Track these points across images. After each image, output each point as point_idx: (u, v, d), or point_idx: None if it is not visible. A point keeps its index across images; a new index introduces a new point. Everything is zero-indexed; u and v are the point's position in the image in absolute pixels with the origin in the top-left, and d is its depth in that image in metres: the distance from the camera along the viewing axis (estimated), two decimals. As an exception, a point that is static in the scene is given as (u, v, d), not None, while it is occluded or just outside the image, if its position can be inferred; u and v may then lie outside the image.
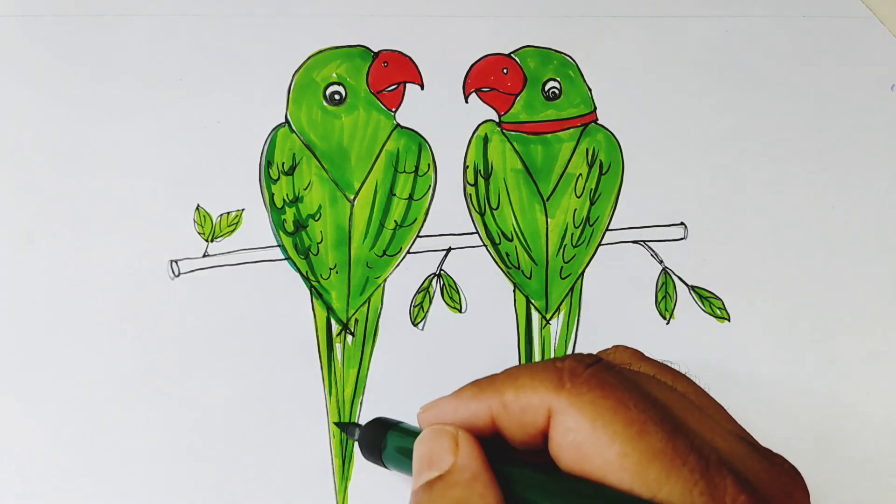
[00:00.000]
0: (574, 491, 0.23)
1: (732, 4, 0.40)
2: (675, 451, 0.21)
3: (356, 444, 0.34)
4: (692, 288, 0.37)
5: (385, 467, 0.30)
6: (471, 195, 0.38)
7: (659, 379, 0.25)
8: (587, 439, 0.22)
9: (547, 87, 0.39)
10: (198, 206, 0.37)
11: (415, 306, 0.37)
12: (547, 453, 0.24)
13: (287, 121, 0.38)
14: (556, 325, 0.37)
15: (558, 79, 0.39)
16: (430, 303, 0.37)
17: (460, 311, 0.37)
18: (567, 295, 0.37)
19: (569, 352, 0.37)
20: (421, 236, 0.37)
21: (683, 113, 0.39)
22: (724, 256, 0.38)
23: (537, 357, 0.37)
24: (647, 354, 0.29)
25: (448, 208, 0.38)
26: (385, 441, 0.29)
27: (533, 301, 0.37)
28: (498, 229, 0.38)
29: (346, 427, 0.34)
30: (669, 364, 0.28)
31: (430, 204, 0.38)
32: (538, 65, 0.39)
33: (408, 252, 0.37)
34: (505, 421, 0.25)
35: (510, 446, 0.25)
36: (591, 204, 0.38)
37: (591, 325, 0.37)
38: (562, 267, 0.37)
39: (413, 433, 0.29)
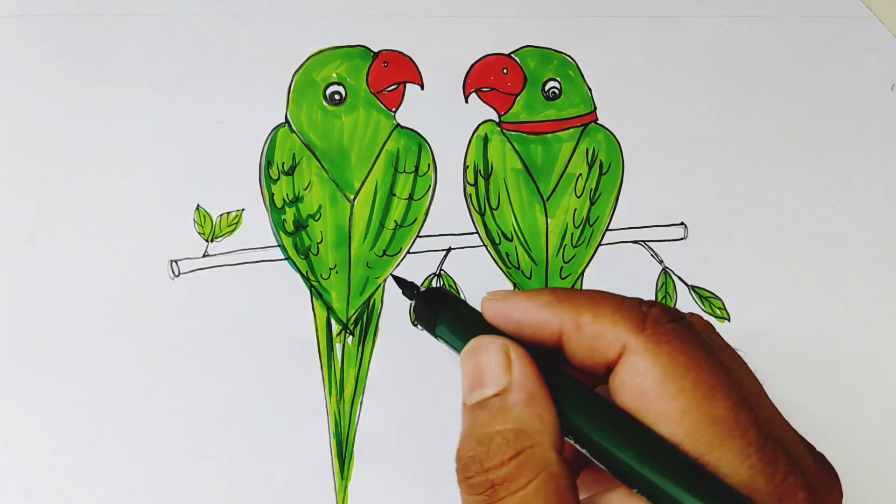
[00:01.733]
0: (626, 428, 0.23)
1: (732, 4, 0.40)
2: (736, 421, 0.22)
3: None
4: (692, 288, 0.37)
5: (434, 336, 0.30)
6: (471, 195, 0.38)
7: (734, 351, 0.26)
8: (653, 387, 0.23)
9: (547, 87, 0.39)
10: (198, 206, 0.37)
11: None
12: (596, 378, 0.25)
13: (287, 121, 0.38)
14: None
15: (558, 79, 0.39)
16: (430, 303, 0.37)
17: (460, 311, 0.37)
18: (567, 295, 0.37)
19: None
20: (421, 236, 0.37)
21: (683, 113, 0.39)
22: (724, 256, 0.38)
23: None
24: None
25: (448, 208, 0.38)
26: (439, 317, 0.29)
27: (533, 301, 0.37)
28: (498, 229, 0.38)
29: (403, 284, 0.32)
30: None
31: (430, 204, 0.38)
32: (538, 65, 0.39)
33: (408, 252, 0.37)
34: (573, 340, 0.25)
35: (559, 359, 0.26)
36: (591, 204, 0.38)
37: (591, 325, 0.37)
38: (562, 267, 0.37)
39: (470, 317, 0.28)
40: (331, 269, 0.37)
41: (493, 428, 0.24)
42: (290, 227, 0.37)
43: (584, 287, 0.37)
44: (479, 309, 0.28)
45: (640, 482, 0.22)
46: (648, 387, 0.23)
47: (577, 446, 0.24)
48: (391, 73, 0.38)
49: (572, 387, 0.25)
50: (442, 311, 0.29)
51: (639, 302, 0.25)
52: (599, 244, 0.38)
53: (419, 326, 0.30)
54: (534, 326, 0.26)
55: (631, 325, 0.24)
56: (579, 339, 0.25)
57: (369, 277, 0.37)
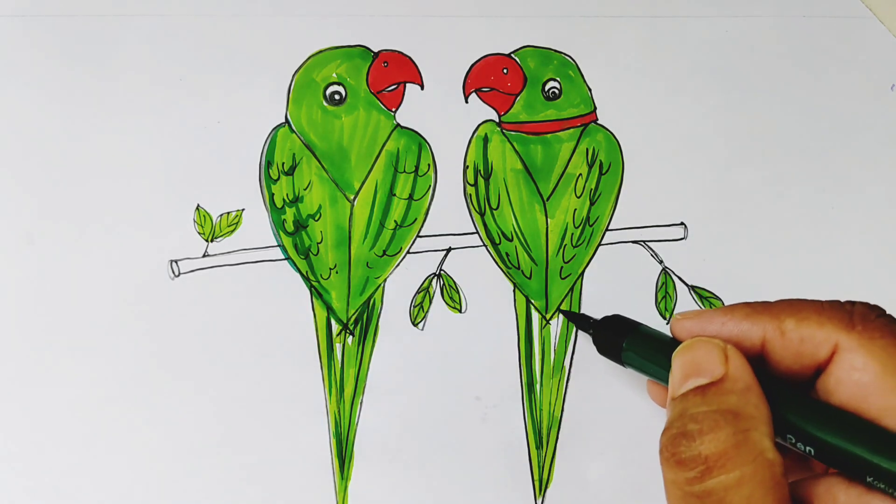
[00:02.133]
0: (854, 424, 0.24)
1: (732, 4, 0.40)
2: None
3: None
4: (692, 288, 0.37)
5: (620, 363, 0.31)
6: (471, 195, 0.38)
7: None
8: (873, 381, 0.23)
9: (547, 87, 0.39)
10: (198, 206, 0.37)
11: (415, 306, 0.37)
12: (805, 386, 0.26)
13: (287, 121, 0.38)
14: (555, 325, 0.37)
15: (558, 79, 0.39)
16: (430, 303, 0.37)
17: (460, 311, 0.37)
18: (567, 295, 0.37)
19: (569, 352, 0.37)
20: (421, 236, 0.37)
21: (683, 113, 0.39)
22: (724, 256, 0.38)
23: (538, 357, 0.37)
24: None
25: (448, 208, 0.38)
26: (625, 342, 0.31)
27: (533, 301, 0.37)
28: (498, 229, 0.38)
29: (576, 319, 0.35)
30: None
31: (430, 204, 0.38)
32: (538, 65, 0.39)
33: (408, 252, 0.37)
34: (777, 347, 0.26)
35: (767, 370, 0.26)
36: (591, 204, 0.38)
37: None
38: (562, 267, 0.37)
39: (657, 338, 0.30)
40: (331, 269, 0.37)
41: (710, 407, 0.24)
42: (290, 227, 0.37)
43: (585, 287, 0.37)
44: (653, 330, 0.30)
45: (877, 472, 0.23)
46: (868, 382, 0.23)
47: (795, 446, 0.25)
48: (391, 73, 0.38)
49: (784, 388, 0.25)
50: (625, 337, 0.31)
51: (839, 302, 0.26)
52: (599, 244, 0.38)
53: (605, 356, 0.32)
54: (734, 339, 0.26)
55: (839, 324, 0.25)
56: (785, 345, 0.25)
57: (369, 277, 0.37)
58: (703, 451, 0.23)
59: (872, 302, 0.37)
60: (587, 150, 0.38)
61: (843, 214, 0.38)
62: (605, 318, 0.33)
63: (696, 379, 0.25)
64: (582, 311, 0.36)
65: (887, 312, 0.25)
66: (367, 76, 0.38)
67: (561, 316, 0.37)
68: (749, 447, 0.23)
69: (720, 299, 0.37)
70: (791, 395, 0.25)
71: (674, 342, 0.28)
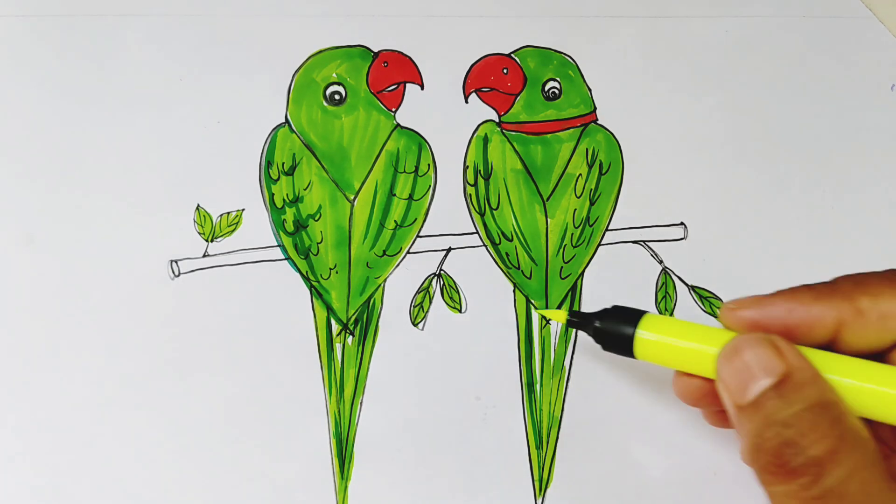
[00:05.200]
0: None
1: (732, 4, 0.40)
2: None
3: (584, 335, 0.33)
4: (692, 288, 0.37)
5: (630, 356, 0.29)
6: (471, 195, 0.38)
7: None
8: None
9: (547, 87, 0.39)
10: (198, 206, 0.37)
11: (415, 306, 0.37)
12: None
13: (287, 121, 0.38)
14: (555, 326, 0.37)
15: (558, 79, 0.39)
16: (430, 303, 0.37)
17: (460, 311, 0.37)
18: (567, 295, 0.37)
19: (569, 352, 0.37)
20: (421, 236, 0.37)
21: (683, 113, 0.39)
22: (724, 256, 0.38)
23: (538, 357, 0.37)
24: None
25: (448, 208, 0.38)
26: (634, 331, 0.29)
27: (533, 301, 0.37)
28: (498, 229, 0.38)
29: (579, 319, 0.32)
30: None
31: (430, 204, 0.38)
32: (538, 65, 0.39)
33: (408, 252, 0.37)
34: (857, 327, 0.25)
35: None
36: (591, 204, 0.38)
37: (591, 325, 0.37)
38: (562, 267, 0.37)
39: (675, 324, 0.28)
40: (331, 269, 0.37)
41: (795, 408, 0.23)
42: (290, 227, 0.37)
43: (585, 287, 0.37)
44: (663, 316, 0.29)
45: None
46: None
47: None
48: (391, 73, 0.38)
49: (853, 362, 0.24)
50: (635, 327, 0.29)
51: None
52: (599, 244, 0.38)
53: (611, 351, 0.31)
54: (805, 326, 0.25)
55: None
56: (863, 324, 0.24)
57: (369, 277, 0.37)
58: (813, 452, 0.22)
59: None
60: (587, 150, 0.38)
61: (844, 214, 0.38)
62: (606, 311, 0.31)
63: (761, 381, 0.24)
64: (573, 310, 0.35)
65: None
66: (367, 76, 0.38)
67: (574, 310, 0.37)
68: (849, 434, 0.22)
69: (720, 299, 0.37)
70: (864, 367, 0.24)
71: (693, 325, 0.27)
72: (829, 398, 0.23)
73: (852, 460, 0.22)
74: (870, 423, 0.24)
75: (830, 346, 0.25)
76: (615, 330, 0.30)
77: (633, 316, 0.30)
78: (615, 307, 0.31)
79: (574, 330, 0.37)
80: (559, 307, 0.37)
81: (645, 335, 0.29)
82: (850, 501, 0.22)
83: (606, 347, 0.31)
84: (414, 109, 0.38)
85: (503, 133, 0.38)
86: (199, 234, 0.37)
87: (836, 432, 0.22)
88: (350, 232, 0.37)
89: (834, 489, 0.22)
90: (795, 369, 0.24)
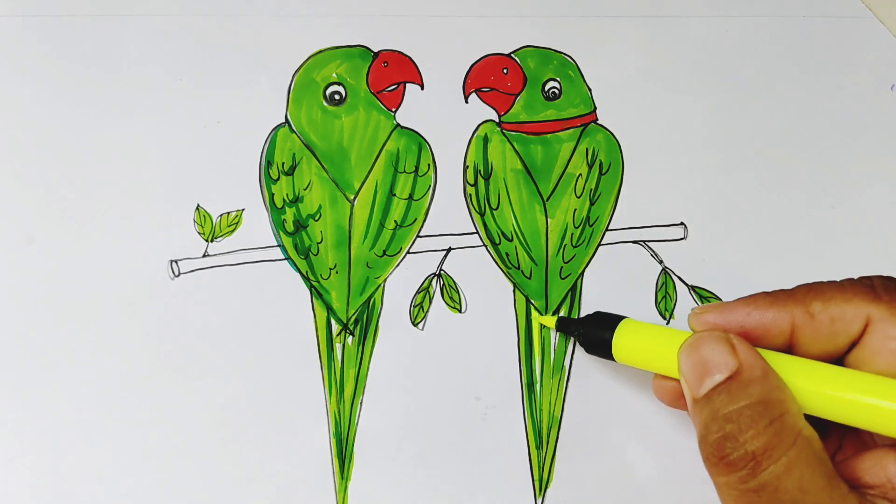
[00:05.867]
0: (886, 385, 0.24)
1: (732, 4, 0.40)
2: None
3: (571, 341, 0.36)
4: (692, 288, 0.37)
5: (611, 359, 0.32)
6: (471, 195, 0.38)
7: None
8: None
9: (547, 87, 0.39)
10: (198, 206, 0.37)
11: (415, 306, 0.37)
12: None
13: (287, 121, 0.38)
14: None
15: (558, 79, 0.39)
16: (430, 303, 0.37)
17: (460, 311, 0.37)
18: (567, 295, 0.37)
19: (569, 352, 0.37)
20: (421, 236, 0.37)
21: (683, 113, 0.39)
22: (724, 256, 0.38)
23: (538, 357, 0.37)
24: None
25: (448, 208, 0.38)
26: (614, 335, 0.31)
27: (533, 301, 0.37)
28: (498, 229, 0.38)
29: (564, 325, 0.35)
30: None
31: (430, 204, 0.38)
32: (538, 65, 0.39)
33: (408, 252, 0.37)
34: (808, 330, 0.26)
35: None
36: (591, 204, 0.38)
37: (591, 325, 0.37)
38: (562, 267, 0.37)
39: (649, 328, 0.31)
40: (331, 269, 0.37)
41: (739, 404, 0.24)
42: (290, 227, 0.37)
43: (585, 287, 0.37)
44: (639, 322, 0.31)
45: None
46: None
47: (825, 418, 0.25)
48: (391, 73, 0.38)
49: (808, 364, 0.26)
50: (612, 332, 0.31)
51: (855, 279, 0.27)
52: (599, 244, 0.38)
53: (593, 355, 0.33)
54: (762, 328, 0.27)
55: (865, 297, 0.26)
56: (815, 326, 0.26)
57: (369, 277, 0.37)
58: (749, 447, 0.24)
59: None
60: (587, 150, 0.38)
61: (844, 214, 0.38)
62: (588, 317, 0.33)
63: (713, 377, 0.25)
64: (560, 315, 0.36)
65: None
66: (367, 76, 0.38)
67: (561, 315, 0.37)
68: (787, 431, 0.24)
69: (720, 299, 0.37)
70: (818, 369, 0.26)
71: (667, 329, 0.29)
72: (772, 396, 0.24)
73: (788, 457, 0.23)
74: (838, 424, 0.26)
75: (789, 350, 0.27)
76: (595, 335, 0.32)
77: (612, 321, 0.32)
78: (597, 313, 0.33)
79: (574, 330, 0.37)
80: (559, 307, 0.37)
81: (621, 340, 0.31)
82: (785, 497, 0.23)
83: (589, 351, 0.33)
84: (414, 109, 0.38)
85: (503, 133, 0.38)
86: (199, 234, 0.37)
87: (773, 429, 0.24)
88: (350, 232, 0.37)
89: (769, 483, 0.23)
90: (746, 366, 0.25)
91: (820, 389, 0.25)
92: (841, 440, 0.28)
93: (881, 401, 0.24)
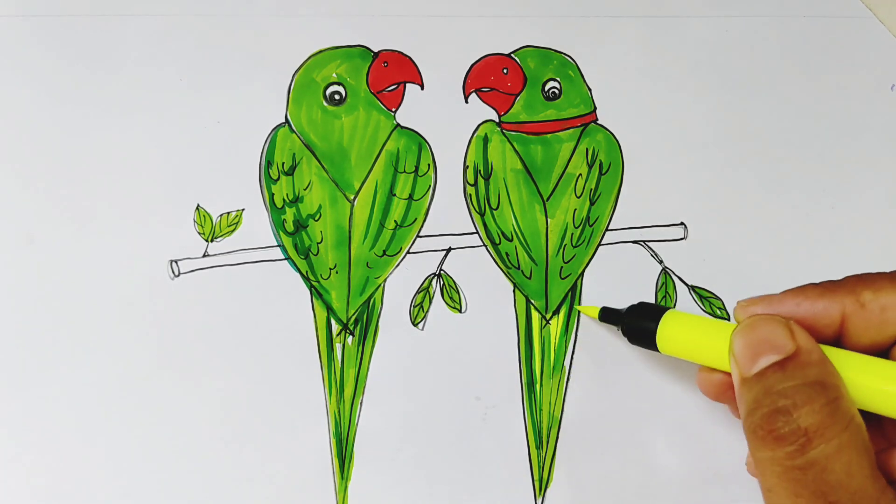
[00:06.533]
0: None
1: (732, 4, 0.40)
2: None
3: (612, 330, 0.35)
4: (692, 288, 0.37)
5: (654, 349, 0.32)
6: (471, 195, 0.38)
7: None
8: None
9: (547, 87, 0.39)
10: (198, 206, 0.37)
11: (415, 306, 0.37)
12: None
13: (287, 121, 0.38)
14: (555, 326, 0.37)
15: (558, 79, 0.39)
16: (430, 303, 0.37)
17: (460, 311, 0.37)
18: (567, 295, 0.37)
19: (569, 352, 0.37)
20: (421, 236, 0.37)
21: (683, 113, 0.39)
22: (724, 256, 0.38)
23: (538, 357, 0.37)
24: None
25: (448, 208, 0.38)
26: (657, 326, 0.31)
27: (533, 301, 0.37)
28: (498, 229, 0.38)
29: (608, 315, 0.35)
30: None
31: (430, 204, 0.38)
32: (538, 65, 0.39)
33: (408, 252, 0.37)
34: (859, 320, 0.26)
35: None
36: (591, 204, 0.38)
37: (590, 325, 0.37)
38: (562, 267, 0.37)
39: (697, 319, 0.31)
40: (331, 269, 0.37)
41: (795, 381, 0.24)
42: (290, 227, 0.37)
43: (585, 287, 0.37)
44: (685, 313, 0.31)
45: None
46: None
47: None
48: (391, 73, 0.38)
49: (858, 357, 0.26)
50: (659, 320, 0.31)
51: None
52: (599, 244, 0.38)
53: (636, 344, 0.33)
54: (812, 318, 0.26)
55: None
56: (866, 316, 0.26)
57: (369, 277, 0.37)
58: (802, 423, 0.23)
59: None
60: (587, 150, 0.38)
61: (844, 214, 0.38)
62: (632, 307, 0.33)
63: (769, 356, 0.25)
64: (605, 307, 0.36)
65: None
66: (367, 76, 0.38)
67: (560, 316, 0.37)
68: (842, 414, 0.23)
69: (720, 299, 0.37)
70: (868, 363, 0.25)
71: (714, 321, 0.29)
72: (829, 380, 0.24)
73: (841, 439, 0.23)
74: (878, 419, 0.25)
75: (838, 341, 0.27)
76: (640, 325, 0.32)
77: (656, 312, 0.32)
78: (641, 304, 0.33)
79: (574, 330, 0.37)
80: (559, 307, 0.37)
81: (666, 330, 0.31)
82: (831, 477, 0.23)
83: (633, 341, 0.33)
84: (414, 109, 0.38)
85: (503, 133, 0.38)
86: (199, 234, 0.37)
87: (828, 409, 0.23)
88: (350, 232, 0.37)
89: (818, 462, 0.23)
90: (803, 350, 0.25)
91: (870, 383, 0.25)
92: (878, 434, 0.28)
93: None
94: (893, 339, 0.26)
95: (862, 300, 0.26)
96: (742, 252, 0.38)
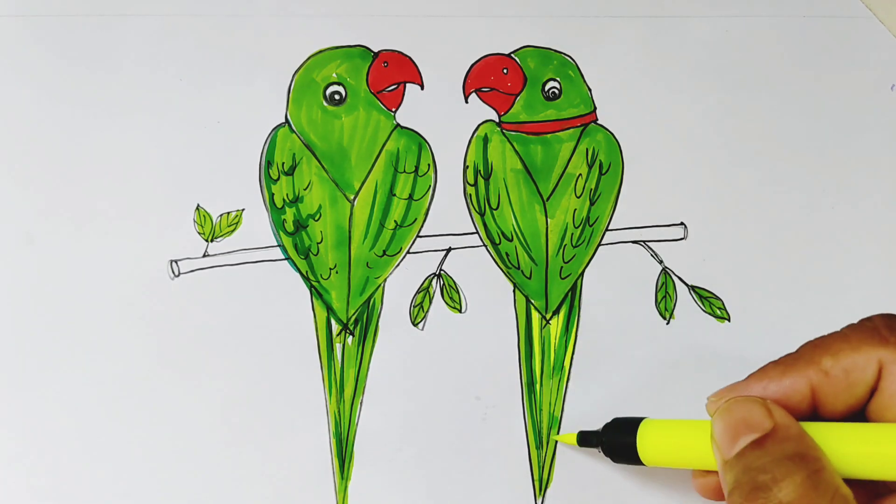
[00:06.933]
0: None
1: (732, 4, 0.40)
2: None
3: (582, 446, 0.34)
4: (692, 288, 0.37)
5: (639, 464, 0.30)
6: (471, 195, 0.38)
7: None
8: None
9: (547, 87, 0.39)
10: (198, 206, 0.37)
11: (415, 306, 0.37)
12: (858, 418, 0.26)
13: (287, 121, 0.38)
14: (555, 326, 0.37)
15: (558, 79, 0.39)
16: (430, 303, 0.37)
17: (460, 311, 0.37)
18: (567, 295, 0.37)
19: (569, 352, 0.37)
20: (421, 236, 0.37)
21: (683, 113, 0.39)
22: (724, 256, 0.38)
23: (538, 358, 0.37)
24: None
25: (448, 208, 0.38)
26: (634, 439, 0.30)
27: (533, 301, 0.37)
28: (498, 229, 0.38)
29: (586, 439, 0.34)
30: None
31: (430, 204, 0.38)
32: (538, 65, 0.39)
33: (408, 252, 0.37)
34: (827, 388, 0.26)
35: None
36: (591, 204, 0.38)
37: (590, 325, 0.37)
38: (562, 267, 0.37)
39: (673, 423, 0.30)
40: (331, 269, 0.37)
41: (774, 456, 0.24)
42: (290, 227, 0.37)
43: (585, 287, 0.37)
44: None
45: None
46: None
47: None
48: (391, 73, 0.38)
49: (838, 426, 0.26)
50: (635, 432, 0.30)
51: (859, 323, 0.26)
52: (599, 244, 0.38)
53: (620, 462, 0.32)
54: (783, 398, 0.26)
55: (872, 342, 0.25)
56: (832, 383, 0.26)
57: (369, 277, 0.37)
58: (783, 497, 0.23)
59: (873, 302, 0.37)
60: (587, 150, 0.38)
61: (844, 214, 0.38)
62: (607, 425, 0.32)
63: (747, 436, 0.25)
64: (581, 431, 0.34)
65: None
66: (367, 76, 0.38)
67: (560, 316, 0.37)
68: (825, 486, 0.23)
69: (720, 299, 0.37)
70: (846, 429, 0.25)
71: (691, 421, 0.29)
72: (809, 452, 0.24)
73: None
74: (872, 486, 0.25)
75: (814, 414, 0.27)
76: (618, 441, 0.31)
77: (633, 424, 0.30)
78: (616, 420, 0.32)
79: (574, 330, 0.37)
80: (559, 307, 0.37)
81: (646, 440, 0.30)
82: None
83: (616, 460, 0.32)
84: (414, 109, 0.38)
85: (503, 133, 0.38)
86: (199, 234, 0.37)
87: (810, 482, 0.23)
88: (350, 232, 0.37)
89: None
90: (781, 426, 0.25)
91: (850, 449, 0.25)
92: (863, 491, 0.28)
93: None
94: (865, 398, 0.26)
95: (824, 368, 0.26)
96: (742, 252, 0.38)
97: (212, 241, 0.37)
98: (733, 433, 0.25)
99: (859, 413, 0.26)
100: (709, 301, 0.37)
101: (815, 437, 0.25)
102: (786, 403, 0.26)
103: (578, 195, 0.38)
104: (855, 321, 0.37)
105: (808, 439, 0.25)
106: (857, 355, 0.25)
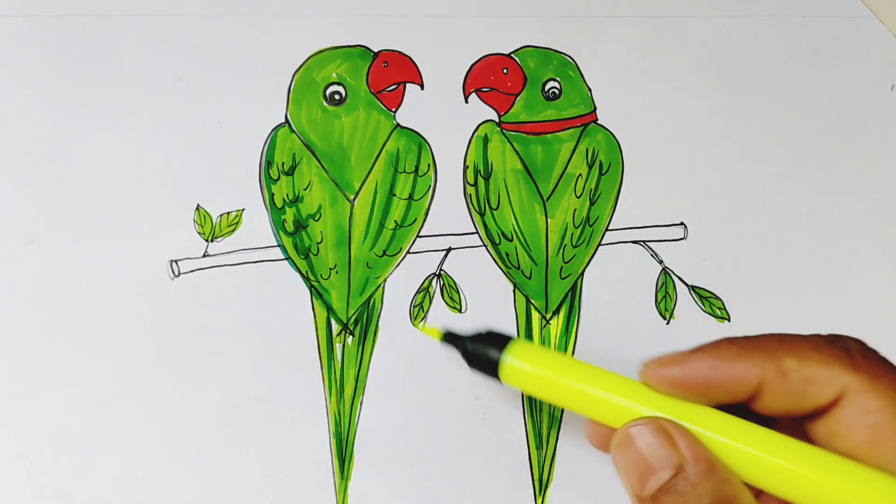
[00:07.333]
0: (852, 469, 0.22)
1: (732, 4, 0.40)
2: None
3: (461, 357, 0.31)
4: (692, 288, 0.37)
5: (497, 380, 0.29)
6: (471, 195, 0.38)
7: None
8: (889, 424, 0.22)
9: (547, 87, 0.39)
10: (198, 206, 0.37)
11: (415, 306, 0.37)
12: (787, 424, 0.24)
13: (287, 121, 0.38)
14: (556, 326, 0.37)
15: (558, 79, 0.39)
16: (430, 303, 0.37)
17: (460, 311, 0.37)
18: (567, 295, 0.37)
19: (569, 352, 0.37)
20: (421, 236, 0.37)
21: (683, 113, 0.39)
22: (724, 256, 0.38)
23: (537, 357, 0.37)
24: None
25: (448, 208, 0.38)
26: (501, 357, 0.28)
27: (533, 301, 0.37)
28: (498, 229, 0.38)
29: (451, 339, 0.31)
30: None
31: (430, 204, 0.38)
32: (538, 65, 0.39)
33: (408, 252, 0.37)
34: (778, 389, 0.24)
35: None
36: (591, 204, 0.38)
37: (590, 325, 0.37)
38: (562, 267, 0.37)
39: (542, 351, 0.28)
40: (331, 269, 0.37)
41: (690, 502, 0.23)
42: (290, 227, 0.37)
43: (585, 287, 0.37)
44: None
45: None
46: (882, 424, 0.22)
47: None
48: (391, 73, 0.38)
49: (760, 432, 0.24)
50: (504, 350, 0.28)
51: (831, 337, 0.24)
52: (599, 244, 0.38)
53: (477, 372, 0.30)
54: (727, 383, 0.24)
55: (843, 364, 0.23)
56: (786, 386, 0.24)
57: (369, 277, 0.37)
58: None
59: (872, 302, 0.37)
60: (587, 150, 0.38)
61: (844, 214, 0.38)
62: (480, 335, 0.29)
63: (656, 476, 0.24)
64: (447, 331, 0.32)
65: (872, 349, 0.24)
66: (367, 76, 0.38)
67: (560, 316, 0.37)
68: None
69: (720, 299, 0.37)
70: (773, 440, 0.24)
71: (566, 359, 0.27)
72: (725, 493, 0.23)
73: None
74: None
75: (749, 403, 0.25)
76: (483, 353, 0.29)
77: (502, 341, 0.29)
78: (490, 332, 0.30)
79: (574, 330, 0.37)
80: (559, 307, 0.37)
81: (511, 361, 0.28)
82: None
83: (472, 366, 0.30)
84: (414, 109, 0.38)
85: (503, 133, 0.38)
86: (199, 234, 0.37)
87: None
88: (350, 232, 0.37)
89: None
90: (689, 460, 0.23)
91: (761, 458, 0.23)
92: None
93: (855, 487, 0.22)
94: (807, 413, 0.24)
95: (784, 368, 0.24)
96: (742, 252, 0.38)
97: (212, 241, 0.37)
98: (639, 473, 0.24)
99: (795, 422, 0.25)
100: (709, 301, 0.37)
101: (733, 437, 0.24)
102: (727, 390, 0.24)
103: (578, 195, 0.38)
104: (853, 323, 0.37)
105: (719, 472, 0.23)
106: (823, 370, 0.23)
